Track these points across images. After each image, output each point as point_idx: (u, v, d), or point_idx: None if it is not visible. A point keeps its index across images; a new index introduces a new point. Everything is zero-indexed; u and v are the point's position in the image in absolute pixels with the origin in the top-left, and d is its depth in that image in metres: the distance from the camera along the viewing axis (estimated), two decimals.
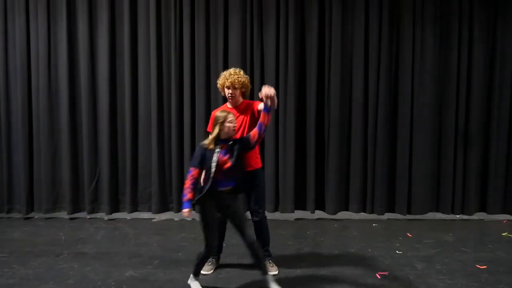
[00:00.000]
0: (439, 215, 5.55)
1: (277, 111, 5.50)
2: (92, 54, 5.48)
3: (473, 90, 5.49)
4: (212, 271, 3.81)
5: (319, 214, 5.57)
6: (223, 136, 3.27)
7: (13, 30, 5.43)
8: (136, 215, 5.55)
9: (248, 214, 3.66)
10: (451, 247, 4.44)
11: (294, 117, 5.48)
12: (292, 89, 5.45)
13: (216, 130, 3.25)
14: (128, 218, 5.45)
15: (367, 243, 4.54)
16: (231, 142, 3.28)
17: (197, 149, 3.30)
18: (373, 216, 5.49)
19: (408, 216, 5.51)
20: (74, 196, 5.54)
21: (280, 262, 3.95)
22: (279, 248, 4.34)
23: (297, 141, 5.53)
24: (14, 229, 5.03)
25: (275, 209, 5.58)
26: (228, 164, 3.20)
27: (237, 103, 3.73)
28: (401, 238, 4.69)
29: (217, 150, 3.21)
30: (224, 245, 4.39)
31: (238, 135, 3.56)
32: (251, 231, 3.41)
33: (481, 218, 5.49)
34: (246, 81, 3.73)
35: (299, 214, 5.55)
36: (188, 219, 4.73)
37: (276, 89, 5.48)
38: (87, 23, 5.41)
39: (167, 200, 5.64)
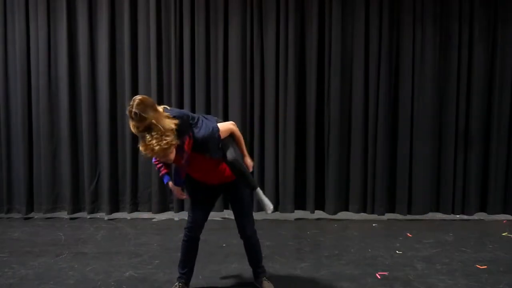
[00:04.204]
0: (439, 215, 5.54)
1: (277, 111, 5.50)
2: (92, 54, 5.46)
3: (473, 90, 5.48)
4: None
5: (319, 214, 5.56)
6: None
7: (13, 30, 5.41)
8: (136, 215, 5.54)
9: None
10: (451, 247, 4.43)
11: (294, 117, 5.47)
12: (292, 89, 5.44)
13: None
14: (128, 218, 5.45)
15: (367, 243, 4.54)
16: None
17: None
18: (373, 216, 5.48)
19: (408, 216, 5.49)
20: (74, 196, 5.52)
21: (280, 262, 3.95)
22: (279, 248, 4.34)
23: (297, 141, 5.52)
24: (14, 229, 5.02)
25: (275, 209, 5.57)
26: None
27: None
28: (401, 238, 4.69)
29: None
30: (224, 245, 4.39)
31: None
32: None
33: (481, 218, 5.48)
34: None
35: (299, 214, 5.54)
36: None
37: (276, 89, 5.50)
38: (87, 23, 5.40)
39: (167, 200, 5.62)
